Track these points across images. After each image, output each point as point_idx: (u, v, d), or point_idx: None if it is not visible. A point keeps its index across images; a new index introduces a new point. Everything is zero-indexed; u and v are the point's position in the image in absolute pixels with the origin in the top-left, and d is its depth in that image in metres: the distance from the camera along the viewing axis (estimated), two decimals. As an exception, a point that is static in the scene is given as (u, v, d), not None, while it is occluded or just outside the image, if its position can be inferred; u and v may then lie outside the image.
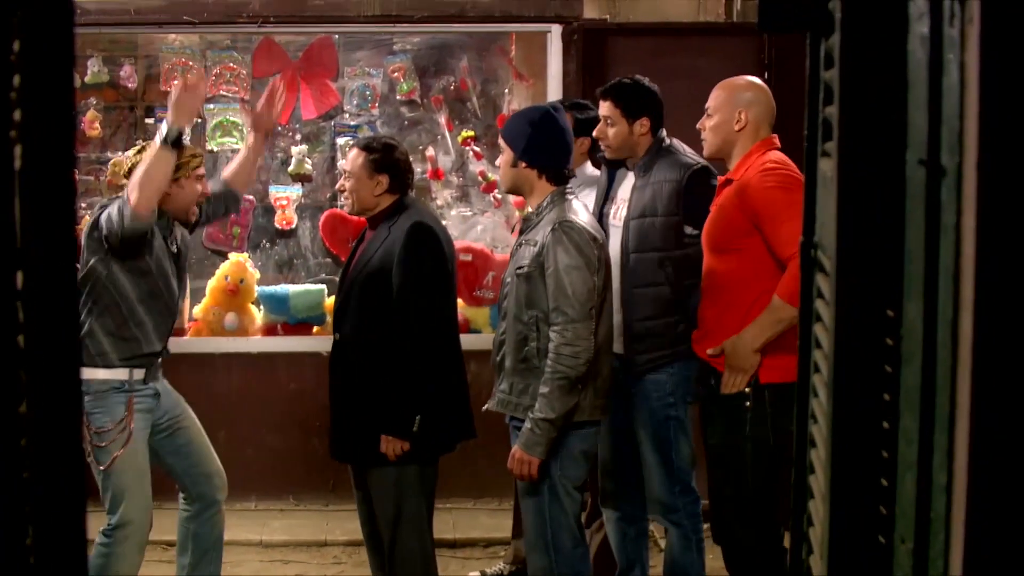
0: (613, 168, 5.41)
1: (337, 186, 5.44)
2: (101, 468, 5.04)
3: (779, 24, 2.18)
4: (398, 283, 5.00)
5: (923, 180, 1.59)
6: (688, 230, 5.08)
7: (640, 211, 5.16)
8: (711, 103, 4.95)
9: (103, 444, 5.00)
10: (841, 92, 1.85)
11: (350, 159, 5.23)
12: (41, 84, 1.57)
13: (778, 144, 4.92)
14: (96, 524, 5.08)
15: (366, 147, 5.21)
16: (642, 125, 5.21)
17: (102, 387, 5.05)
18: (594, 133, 5.32)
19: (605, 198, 5.40)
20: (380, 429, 5.00)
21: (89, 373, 5.04)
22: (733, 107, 4.87)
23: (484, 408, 5.17)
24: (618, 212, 5.27)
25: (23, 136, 1.54)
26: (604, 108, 5.27)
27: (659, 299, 5.11)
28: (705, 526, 5.26)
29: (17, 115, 1.54)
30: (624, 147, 5.27)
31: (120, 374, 5.09)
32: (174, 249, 5.23)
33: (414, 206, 5.25)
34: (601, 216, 5.33)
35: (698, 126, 5.00)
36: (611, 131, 5.25)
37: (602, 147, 5.33)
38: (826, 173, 2.04)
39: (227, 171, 5.76)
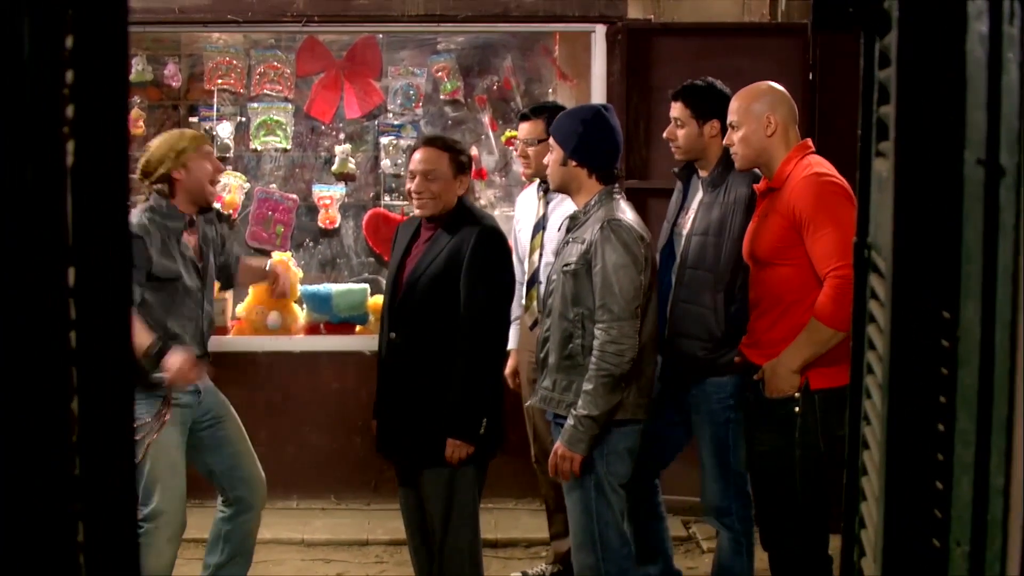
0: (687, 179, 5.37)
1: (411, 186, 5.09)
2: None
3: (833, 23, 2.16)
4: (470, 288, 4.97)
5: (982, 180, 1.57)
6: None
7: (704, 228, 5.11)
8: (734, 116, 4.87)
9: (137, 437, 5.01)
10: (898, 91, 1.83)
11: (431, 159, 5.05)
12: (94, 80, 1.57)
13: (813, 147, 4.87)
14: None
15: (449, 148, 5.12)
16: (712, 127, 5.17)
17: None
18: (664, 135, 5.30)
19: (680, 208, 5.35)
20: (446, 432, 4.99)
21: None
22: (760, 113, 4.81)
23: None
24: (688, 221, 5.23)
25: (76, 132, 1.54)
26: (675, 110, 5.25)
27: (703, 323, 5.08)
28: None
29: (70, 111, 1.54)
30: (694, 149, 5.23)
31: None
32: (192, 251, 5.19)
33: (473, 207, 5.24)
34: (674, 226, 5.31)
35: (725, 142, 4.95)
36: (680, 132, 5.23)
37: (672, 148, 5.30)
38: (881, 173, 2.02)
39: (249, 261, 5.79)
